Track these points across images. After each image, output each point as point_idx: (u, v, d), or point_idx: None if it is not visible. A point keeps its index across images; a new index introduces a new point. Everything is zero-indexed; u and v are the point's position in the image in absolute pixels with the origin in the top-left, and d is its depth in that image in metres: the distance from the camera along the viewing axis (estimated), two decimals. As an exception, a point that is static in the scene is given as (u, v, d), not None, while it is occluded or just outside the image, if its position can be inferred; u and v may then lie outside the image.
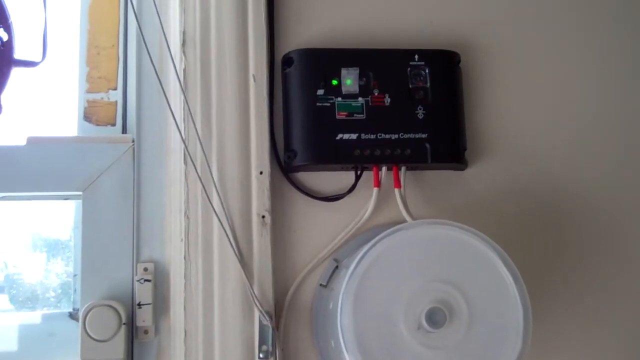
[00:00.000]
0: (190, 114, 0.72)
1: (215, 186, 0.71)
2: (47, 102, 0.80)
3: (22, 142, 0.74)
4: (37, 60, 0.74)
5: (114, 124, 0.80)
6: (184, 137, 0.71)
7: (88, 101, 0.80)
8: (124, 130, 0.79)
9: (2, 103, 0.73)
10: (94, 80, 0.80)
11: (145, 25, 0.76)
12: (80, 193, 0.73)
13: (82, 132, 0.79)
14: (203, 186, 0.70)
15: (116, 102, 0.80)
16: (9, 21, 0.72)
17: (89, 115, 0.79)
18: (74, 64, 0.80)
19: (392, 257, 0.62)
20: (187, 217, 0.71)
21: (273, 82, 0.76)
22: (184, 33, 0.74)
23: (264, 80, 0.74)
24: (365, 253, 0.61)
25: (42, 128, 0.79)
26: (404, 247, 0.62)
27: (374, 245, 0.62)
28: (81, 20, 0.81)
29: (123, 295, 0.71)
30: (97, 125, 0.79)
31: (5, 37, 0.71)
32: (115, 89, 0.80)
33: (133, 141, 0.75)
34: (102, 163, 0.74)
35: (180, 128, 0.71)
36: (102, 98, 0.80)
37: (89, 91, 0.80)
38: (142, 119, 0.75)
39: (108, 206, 0.73)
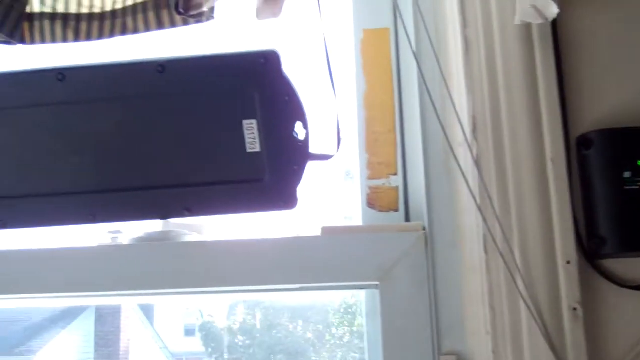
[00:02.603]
0: (491, 200, 0.70)
1: (522, 276, 0.68)
2: (334, 191, 0.82)
3: (317, 232, 0.75)
4: (331, 153, 0.75)
5: (396, 210, 0.80)
6: (488, 226, 0.69)
7: (370, 187, 0.81)
8: (407, 215, 0.79)
9: (298, 196, 0.75)
10: (374, 166, 0.81)
11: (427, 109, 0.76)
12: (377, 283, 0.73)
13: (366, 219, 0.80)
14: (512, 275, 0.68)
15: (397, 187, 0.80)
16: (306, 118, 0.74)
17: (372, 201, 0.80)
18: (354, 151, 0.82)
19: None
20: (492, 309, 0.69)
21: (570, 164, 0.73)
22: (474, 118, 0.73)
23: (563, 164, 0.71)
24: None
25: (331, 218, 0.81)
26: None
27: None
28: (358, 108, 0.83)
29: (427, 387, 0.70)
30: (381, 211, 0.80)
31: (302, 135, 0.74)
32: (396, 174, 0.81)
33: (424, 229, 0.74)
34: (395, 252, 0.74)
35: (484, 216, 0.70)
36: (383, 184, 0.80)
37: (370, 178, 0.81)
38: (432, 206, 0.75)
39: (404, 296, 0.73)
